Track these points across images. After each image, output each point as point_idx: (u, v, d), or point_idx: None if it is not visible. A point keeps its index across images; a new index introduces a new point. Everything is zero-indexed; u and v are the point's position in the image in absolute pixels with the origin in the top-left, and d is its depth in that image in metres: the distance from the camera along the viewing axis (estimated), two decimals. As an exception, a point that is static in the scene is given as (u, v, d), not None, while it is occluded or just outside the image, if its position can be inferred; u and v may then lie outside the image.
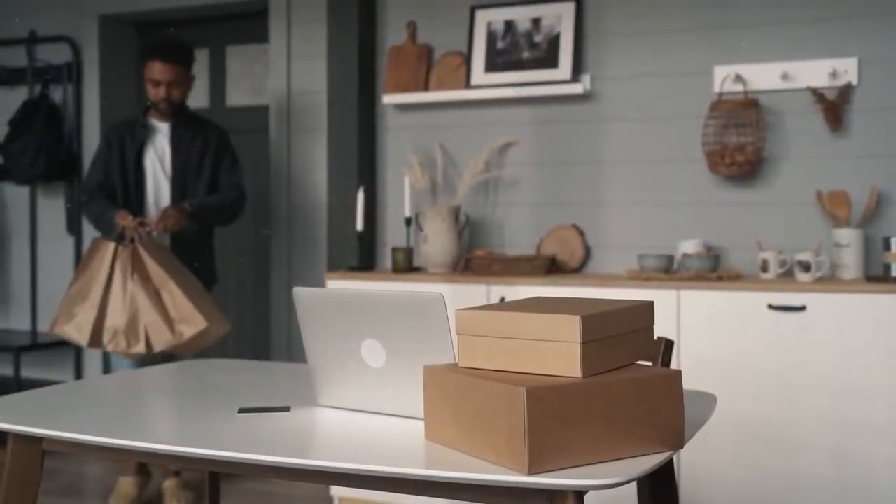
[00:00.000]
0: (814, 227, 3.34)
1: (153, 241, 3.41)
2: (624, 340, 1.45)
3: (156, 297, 3.32)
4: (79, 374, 4.75)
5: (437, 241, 3.55)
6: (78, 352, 4.72)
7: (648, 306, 1.53)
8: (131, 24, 4.84)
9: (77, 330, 3.35)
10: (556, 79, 3.62)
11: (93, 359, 4.69)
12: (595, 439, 1.32)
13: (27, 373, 4.74)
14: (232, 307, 4.58)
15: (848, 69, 3.28)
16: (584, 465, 1.31)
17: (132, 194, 3.61)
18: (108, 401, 1.87)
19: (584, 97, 3.65)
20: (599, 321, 1.40)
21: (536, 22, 3.70)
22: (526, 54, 3.69)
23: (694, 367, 3.03)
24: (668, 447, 1.39)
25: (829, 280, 3.10)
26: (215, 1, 4.40)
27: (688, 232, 3.51)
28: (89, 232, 4.44)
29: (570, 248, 3.63)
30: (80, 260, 4.09)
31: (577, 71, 3.62)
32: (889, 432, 2.85)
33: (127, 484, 3.56)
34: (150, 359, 3.40)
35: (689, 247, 3.32)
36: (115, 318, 3.32)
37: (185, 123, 3.67)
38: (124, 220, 3.40)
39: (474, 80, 3.76)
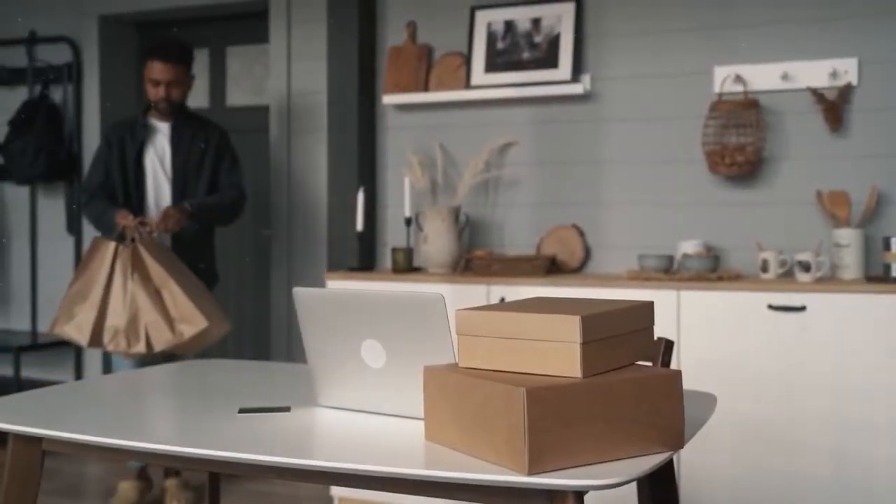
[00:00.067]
0: (814, 228, 3.34)
1: (154, 241, 3.41)
2: (624, 341, 1.45)
3: (156, 296, 3.32)
4: (79, 375, 4.75)
5: (437, 242, 3.55)
6: (78, 352, 4.72)
7: (648, 306, 1.53)
8: (131, 25, 4.84)
9: (77, 330, 3.35)
10: (556, 79, 3.62)
11: (93, 359, 4.69)
12: (595, 439, 1.32)
13: (27, 373, 4.74)
14: (232, 307, 4.58)
15: (848, 69, 3.28)
16: (584, 466, 1.31)
17: (132, 194, 3.60)
18: (108, 401, 1.87)
19: (584, 97, 3.65)
20: (599, 321, 1.40)
21: (536, 22, 3.70)
22: (526, 54, 3.69)
23: (694, 367, 3.03)
24: (668, 447, 1.39)
25: (829, 280, 3.10)
26: (215, 1, 4.40)
27: (688, 232, 3.51)
28: (89, 232, 4.44)
29: (570, 249, 3.63)
30: (81, 260, 4.09)
31: (577, 71, 3.62)
32: (889, 432, 2.85)
33: (128, 489, 3.55)
34: (151, 359, 3.40)
35: (689, 247, 3.32)
36: (116, 317, 3.32)
37: (185, 123, 3.67)
38: (125, 219, 3.40)
39: (474, 81, 3.76)
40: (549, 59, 3.65)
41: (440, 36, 3.89)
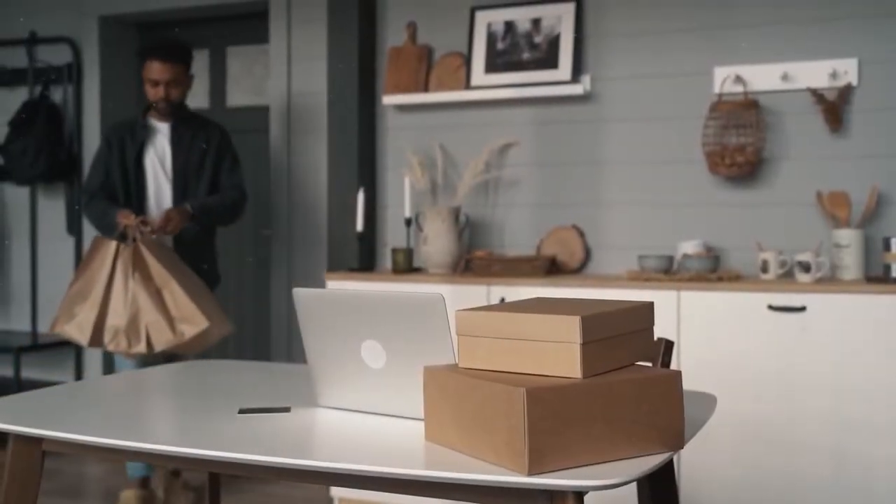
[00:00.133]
0: (814, 228, 3.34)
1: (155, 240, 3.40)
2: (624, 341, 1.45)
3: (157, 296, 3.32)
4: (79, 375, 4.75)
5: (437, 242, 3.55)
6: (78, 352, 4.72)
7: (648, 307, 1.54)
8: (131, 25, 4.84)
9: (78, 329, 3.35)
10: (556, 79, 3.62)
11: (93, 359, 4.70)
12: (595, 440, 1.32)
13: (27, 373, 4.74)
14: (232, 307, 4.58)
15: (848, 70, 3.28)
16: (584, 466, 1.31)
17: (133, 195, 3.60)
18: (108, 401, 1.88)
19: (584, 98, 3.65)
20: (599, 322, 1.40)
21: (536, 23, 3.70)
22: (526, 55, 3.70)
23: (694, 367, 3.03)
24: (668, 448, 1.39)
25: (829, 281, 3.10)
26: (216, 2, 4.40)
27: (688, 232, 3.51)
28: (89, 232, 4.44)
29: (570, 249, 3.63)
30: (81, 260, 4.09)
31: (577, 71, 3.62)
32: (889, 432, 2.85)
33: (130, 498, 3.54)
34: (153, 359, 3.40)
35: (689, 247, 3.32)
36: (116, 317, 3.31)
37: (185, 123, 3.67)
38: (126, 218, 3.40)
39: (474, 81, 3.76)
40: (549, 59, 3.65)
41: (440, 36, 3.89)
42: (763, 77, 3.38)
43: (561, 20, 3.66)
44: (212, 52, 4.78)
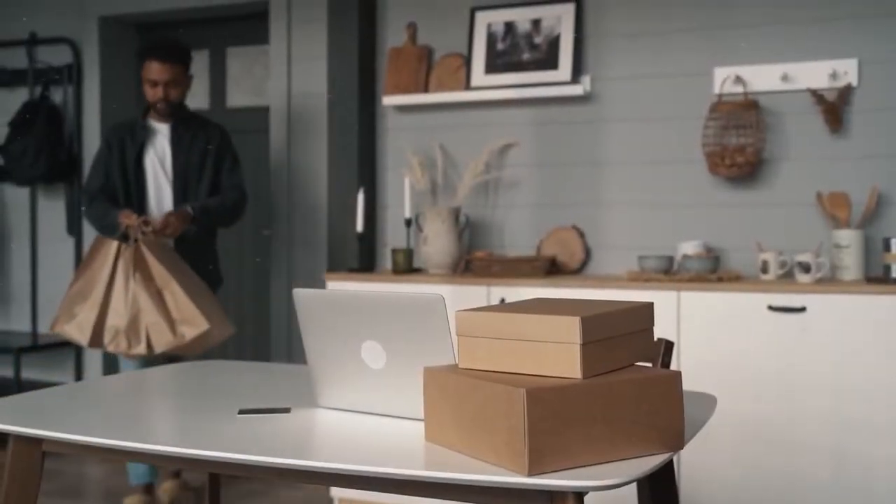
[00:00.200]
0: (814, 229, 3.34)
1: (156, 241, 3.39)
2: (624, 341, 1.46)
3: (158, 297, 3.31)
4: (79, 376, 4.75)
5: (437, 243, 3.56)
6: (78, 353, 4.72)
7: (648, 307, 1.54)
8: (132, 26, 4.84)
9: (78, 329, 3.34)
10: (556, 80, 3.63)
11: (93, 360, 4.70)
12: (595, 440, 1.32)
13: (27, 374, 4.74)
14: (232, 308, 4.58)
15: (848, 70, 3.28)
16: (584, 466, 1.31)
17: (133, 197, 3.60)
18: (108, 402, 1.88)
19: (583, 98, 3.65)
20: (599, 322, 1.40)
21: (536, 23, 3.70)
22: (526, 55, 3.70)
23: (694, 368, 3.03)
24: (668, 448, 1.39)
25: (829, 281, 3.10)
26: (216, 2, 4.40)
27: (688, 233, 3.51)
28: (89, 233, 4.44)
29: (570, 250, 3.63)
30: (81, 261, 4.09)
31: (577, 72, 3.62)
32: (889, 433, 2.85)
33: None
34: (155, 360, 3.39)
35: (689, 248, 3.32)
36: (117, 317, 3.31)
37: (185, 124, 3.66)
38: (128, 218, 3.39)
39: (474, 82, 3.76)
40: (549, 60, 3.65)
41: (440, 37, 3.89)
42: (763, 77, 3.38)
43: (561, 20, 3.66)
44: (212, 52, 4.78)
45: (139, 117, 3.69)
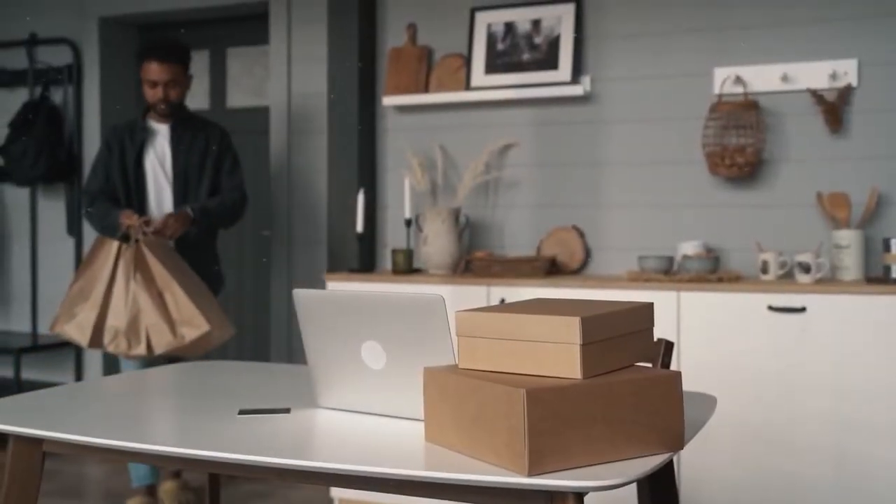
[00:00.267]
0: (814, 229, 3.34)
1: (157, 241, 3.39)
2: (624, 342, 1.46)
3: (158, 298, 3.31)
4: (79, 376, 4.75)
5: (437, 243, 3.56)
6: (78, 353, 4.72)
7: (648, 308, 1.54)
8: (132, 27, 4.84)
9: (78, 329, 3.34)
10: (556, 80, 3.63)
11: (93, 360, 4.70)
12: (595, 441, 1.32)
13: (27, 374, 4.74)
14: (232, 308, 4.58)
15: (848, 71, 3.28)
16: (584, 467, 1.31)
17: (133, 197, 3.59)
18: (108, 402, 1.88)
19: (583, 99, 3.65)
20: (599, 323, 1.40)
21: (536, 23, 3.70)
22: (526, 56, 3.70)
23: (694, 368, 3.03)
24: (668, 448, 1.39)
25: (829, 281, 3.10)
26: (216, 3, 4.40)
27: (688, 233, 3.51)
28: (89, 233, 4.44)
29: (570, 250, 3.63)
30: (81, 261, 4.08)
31: (577, 72, 3.63)
32: (889, 433, 2.85)
33: None
34: (155, 361, 3.39)
35: (689, 248, 3.32)
36: (117, 318, 3.30)
37: (185, 124, 3.66)
38: (129, 218, 3.39)
39: (474, 82, 3.76)
40: (549, 60, 3.66)
41: (440, 37, 3.89)
42: (763, 78, 3.38)
43: (561, 21, 3.66)
44: (212, 53, 4.78)
45: (139, 118, 3.69)
